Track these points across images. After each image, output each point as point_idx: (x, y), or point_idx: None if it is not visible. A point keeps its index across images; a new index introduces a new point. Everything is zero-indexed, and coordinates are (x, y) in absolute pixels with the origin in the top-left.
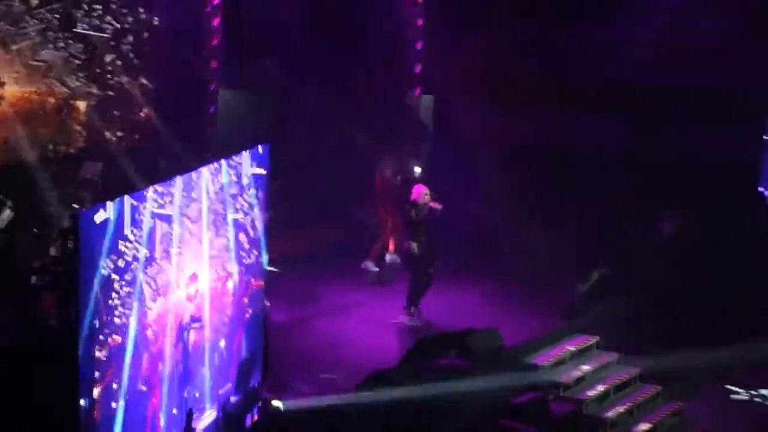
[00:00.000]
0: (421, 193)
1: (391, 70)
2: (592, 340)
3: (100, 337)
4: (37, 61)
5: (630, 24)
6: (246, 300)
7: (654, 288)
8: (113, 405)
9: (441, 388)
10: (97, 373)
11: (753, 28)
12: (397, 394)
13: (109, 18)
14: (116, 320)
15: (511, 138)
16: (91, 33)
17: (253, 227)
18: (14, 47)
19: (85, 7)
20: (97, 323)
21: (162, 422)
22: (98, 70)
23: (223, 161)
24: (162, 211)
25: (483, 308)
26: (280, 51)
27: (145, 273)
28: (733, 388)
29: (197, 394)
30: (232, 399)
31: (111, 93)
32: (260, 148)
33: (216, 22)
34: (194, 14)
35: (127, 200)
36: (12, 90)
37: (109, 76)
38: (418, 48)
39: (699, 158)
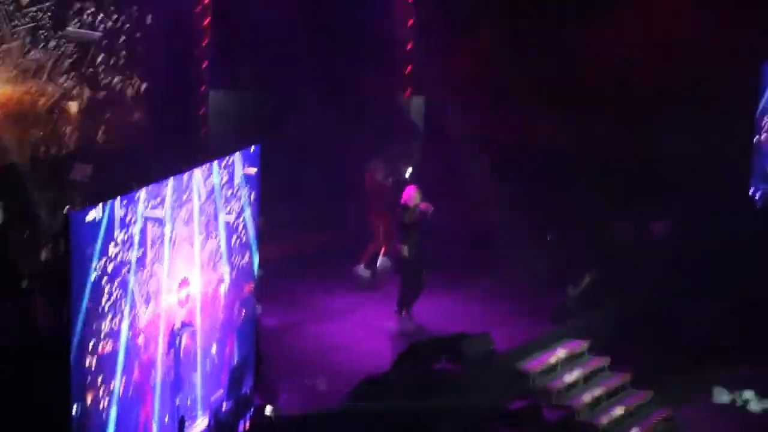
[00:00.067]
0: (411, 195)
1: (381, 71)
2: (584, 344)
3: (92, 342)
4: (27, 61)
5: (620, 24)
6: (238, 304)
7: (645, 291)
8: (105, 412)
9: (433, 394)
10: (89, 379)
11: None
12: (389, 399)
13: (100, 17)
14: (108, 325)
15: (503, 139)
16: (82, 33)
17: (245, 230)
18: (4, 47)
19: (77, 6)
20: (88, 328)
21: (154, 430)
22: (90, 70)
23: (215, 162)
24: (153, 213)
25: (475, 312)
26: (270, 51)
27: (137, 277)
28: (718, 389)
29: (189, 401)
30: (224, 406)
31: (102, 94)
32: (252, 149)
33: (206, 22)
34: (184, 15)
35: (118, 202)
36: (2, 90)
37: (101, 76)
38: (409, 48)
39: (690, 160)
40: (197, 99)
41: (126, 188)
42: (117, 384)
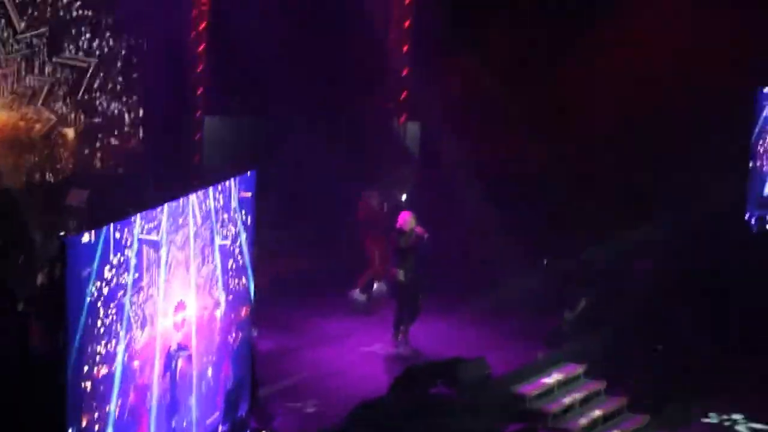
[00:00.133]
0: (407, 220)
1: (377, 98)
2: (580, 368)
3: (88, 365)
4: (23, 87)
5: (614, 54)
6: (234, 328)
7: (641, 316)
8: None
9: (429, 418)
10: (84, 402)
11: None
12: (385, 424)
13: (96, 43)
14: (104, 349)
15: (497, 165)
16: (78, 59)
17: (241, 254)
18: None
19: (72, 32)
20: (84, 351)
21: None
22: (86, 96)
23: (210, 188)
24: (149, 237)
25: (471, 336)
26: (265, 78)
27: (132, 301)
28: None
29: (185, 423)
30: (220, 429)
31: (98, 119)
32: (248, 174)
33: (201, 48)
34: (180, 41)
35: (114, 227)
36: None
37: (97, 102)
38: (404, 75)
39: (685, 186)
40: (193, 125)
41: (122, 214)
42: (113, 407)
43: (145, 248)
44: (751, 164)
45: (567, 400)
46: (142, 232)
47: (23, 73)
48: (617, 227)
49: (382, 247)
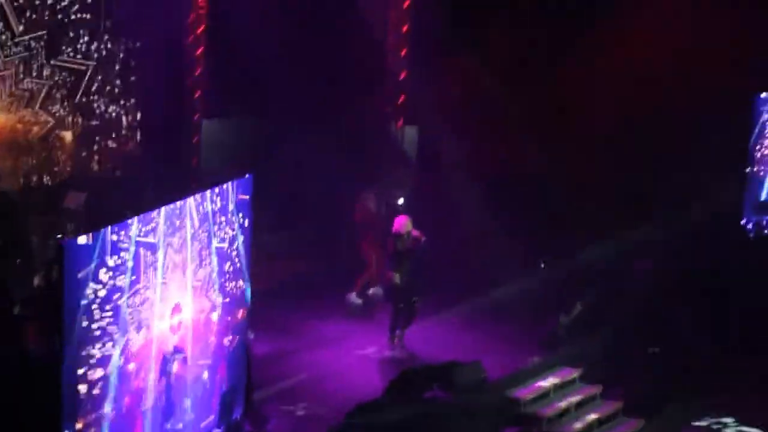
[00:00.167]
0: (403, 223)
1: (374, 101)
2: (575, 372)
3: (84, 368)
4: (20, 89)
5: (613, 57)
6: (230, 331)
7: (641, 316)
8: None
9: (424, 421)
10: (80, 405)
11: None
12: (381, 427)
13: (94, 46)
14: (100, 351)
15: (495, 168)
16: (76, 62)
17: (238, 257)
18: None
19: (70, 35)
20: (80, 354)
21: None
22: (84, 99)
23: (208, 190)
24: (146, 240)
25: (467, 340)
26: (262, 81)
27: (129, 304)
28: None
29: (180, 426)
30: None
31: (96, 122)
32: (246, 176)
33: (199, 51)
34: (178, 44)
35: (111, 230)
36: None
37: (95, 105)
38: (402, 78)
39: (683, 190)
40: (190, 127)
41: (119, 217)
42: (108, 410)
43: (142, 251)
44: (748, 169)
45: (562, 404)
46: (139, 235)
47: (21, 75)
48: (617, 227)
49: (379, 250)
